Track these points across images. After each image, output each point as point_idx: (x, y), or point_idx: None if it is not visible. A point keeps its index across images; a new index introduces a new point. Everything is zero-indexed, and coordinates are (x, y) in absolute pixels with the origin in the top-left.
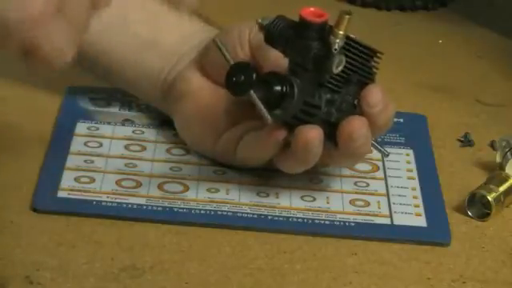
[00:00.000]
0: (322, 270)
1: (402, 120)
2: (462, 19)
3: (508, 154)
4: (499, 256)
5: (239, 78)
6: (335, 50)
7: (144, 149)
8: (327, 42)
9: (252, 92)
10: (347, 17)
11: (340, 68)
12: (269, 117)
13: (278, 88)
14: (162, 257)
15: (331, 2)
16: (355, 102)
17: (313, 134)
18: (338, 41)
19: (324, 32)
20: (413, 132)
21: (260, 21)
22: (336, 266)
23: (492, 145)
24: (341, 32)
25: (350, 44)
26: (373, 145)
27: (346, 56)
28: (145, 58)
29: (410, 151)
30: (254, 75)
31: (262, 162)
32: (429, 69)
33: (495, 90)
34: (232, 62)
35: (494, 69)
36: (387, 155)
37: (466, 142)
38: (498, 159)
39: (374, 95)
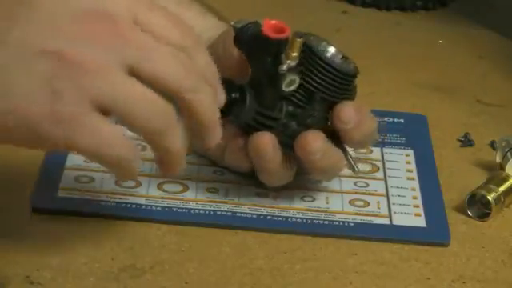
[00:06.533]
0: (322, 270)
1: (402, 120)
2: (462, 19)
3: (508, 153)
4: (499, 256)
5: None
6: (282, 70)
7: (144, 149)
8: (280, 60)
9: None
10: (299, 40)
11: (292, 87)
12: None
13: (231, 95)
14: (161, 257)
15: (331, 3)
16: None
17: (263, 140)
18: (288, 61)
19: (280, 49)
20: (413, 132)
21: (233, 23)
22: (336, 265)
23: (492, 145)
24: (294, 54)
25: (313, 64)
26: (347, 159)
27: (309, 75)
28: None
29: (411, 151)
30: None
31: (245, 170)
32: (429, 69)
33: (495, 90)
34: None
35: (494, 69)
36: (357, 172)
37: (466, 141)
38: (498, 159)
39: (345, 113)
